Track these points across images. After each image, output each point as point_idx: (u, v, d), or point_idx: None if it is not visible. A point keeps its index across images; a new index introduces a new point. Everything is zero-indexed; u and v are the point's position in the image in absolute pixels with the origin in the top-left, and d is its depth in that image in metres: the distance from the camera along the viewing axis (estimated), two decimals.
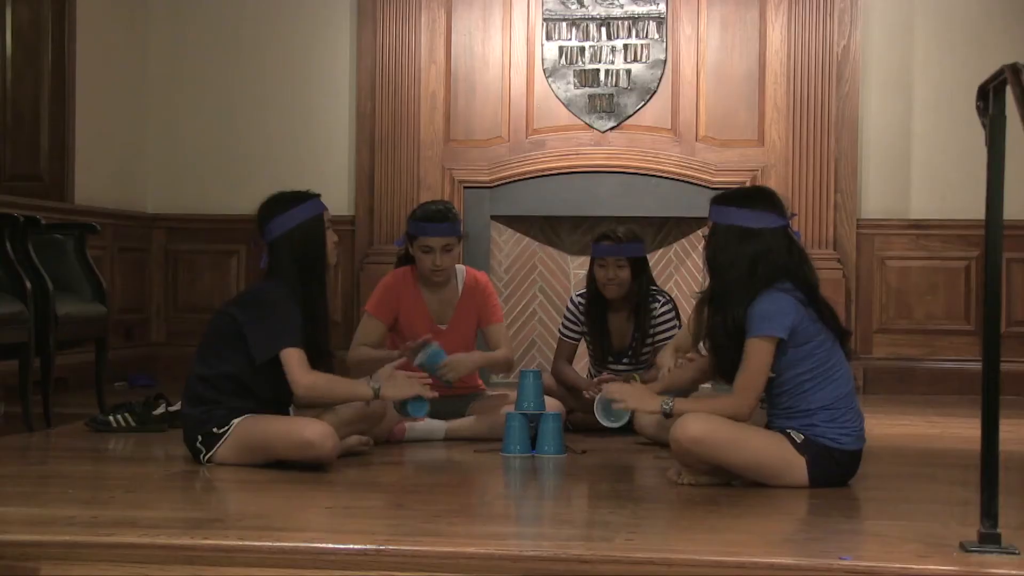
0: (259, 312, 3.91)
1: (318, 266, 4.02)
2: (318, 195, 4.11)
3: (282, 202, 4.05)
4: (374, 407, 4.16)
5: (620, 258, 4.96)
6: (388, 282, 4.79)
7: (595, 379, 5.02)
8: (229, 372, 3.93)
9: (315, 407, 4.05)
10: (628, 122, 7.01)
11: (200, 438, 3.92)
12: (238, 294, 4.19)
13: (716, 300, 3.71)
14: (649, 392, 3.87)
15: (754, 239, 3.64)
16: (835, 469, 3.59)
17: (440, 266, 4.65)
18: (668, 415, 3.67)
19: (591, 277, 5.07)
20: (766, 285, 3.60)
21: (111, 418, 4.79)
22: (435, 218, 4.63)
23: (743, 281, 3.63)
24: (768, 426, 3.69)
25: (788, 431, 3.59)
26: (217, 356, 3.96)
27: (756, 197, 3.78)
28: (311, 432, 3.78)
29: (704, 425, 3.53)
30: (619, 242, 4.97)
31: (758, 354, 3.57)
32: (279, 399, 3.98)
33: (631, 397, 3.79)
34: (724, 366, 3.74)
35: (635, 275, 4.99)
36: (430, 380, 4.13)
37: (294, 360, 3.88)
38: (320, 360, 4.02)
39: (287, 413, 4.03)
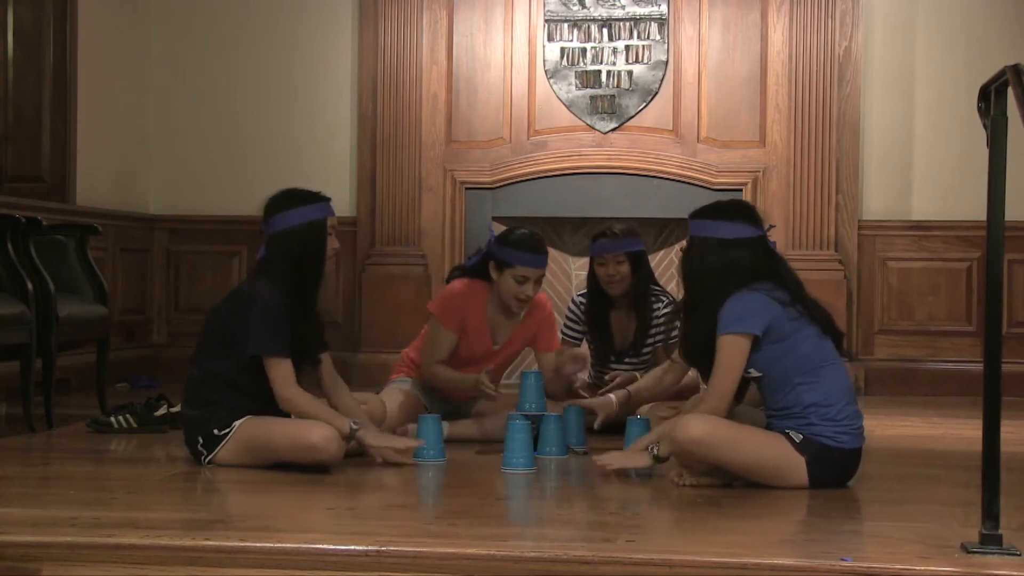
0: (248, 315, 3.88)
1: (313, 269, 3.99)
2: (328, 199, 4.08)
3: (290, 198, 4.04)
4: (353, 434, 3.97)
5: (618, 254, 4.96)
6: (459, 291, 4.66)
7: (581, 395, 4.95)
8: (226, 372, 3.92)
9: None
10: (630, 123, 7.01)
11: (201, 440, 3.92)
12: (230, 292, 4.15)
13: (689, 310, 3.74)
14: (633, 451, 3.85)
15: (729, 249, 3.67)
16: (835, 468, 3.59)
17: (531, 296, 4.60)
18: (658, 460, 3.69)
19: (592, 277, 5.07)
20: (738, 288, 3.62)
21: (112, 419, 4.79)
22: (539, 250, 4.59)
23: (715, 289, 3.65)
24: (768, 428, 3.70)
25: (787, 431, 3.60)
26: (213, 357, 3.95)
27: (730, 209, 3.81)
28: (316, 436, 3.77)
29: (705, 426, 3.54)
30: (616, 238, 4.97)
31: (728, 352, 3.59)
32: None
33: (618, 460, 3.80)
34: (704, 374, 3.77)
35: (634, 270, 4.99)
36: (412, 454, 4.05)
37: (276, 371, 3.87)
38: (310, 361, 4.02)
39: (287, 414, 4.02)
